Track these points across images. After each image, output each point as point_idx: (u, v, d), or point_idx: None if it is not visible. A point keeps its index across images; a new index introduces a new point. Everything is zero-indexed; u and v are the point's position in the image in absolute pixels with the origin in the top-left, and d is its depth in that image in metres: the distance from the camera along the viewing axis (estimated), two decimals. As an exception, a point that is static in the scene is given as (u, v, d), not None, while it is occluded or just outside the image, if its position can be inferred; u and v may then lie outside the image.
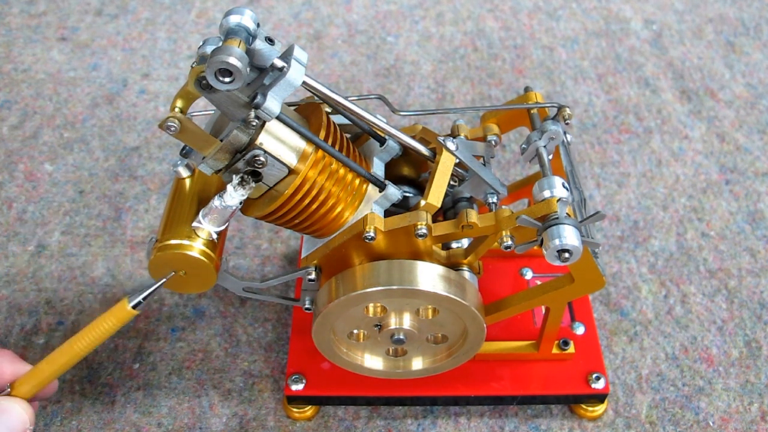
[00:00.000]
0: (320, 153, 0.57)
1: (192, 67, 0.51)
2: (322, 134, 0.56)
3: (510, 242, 0.56)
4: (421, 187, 0.66)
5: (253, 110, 0.52)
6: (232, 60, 0.48)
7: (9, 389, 0.56)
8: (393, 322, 0.62)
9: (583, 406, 0.71)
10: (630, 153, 0.98)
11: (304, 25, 1.20)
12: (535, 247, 0.56)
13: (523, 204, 0.81)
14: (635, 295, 0.82)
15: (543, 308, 0.73)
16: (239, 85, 0.49)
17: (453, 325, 0.63)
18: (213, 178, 0.62)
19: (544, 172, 0.61)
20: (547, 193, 0.55)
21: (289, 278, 0.63)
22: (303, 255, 0.63)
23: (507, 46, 1.16)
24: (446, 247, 0.64)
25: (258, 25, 0.53)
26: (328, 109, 0.63)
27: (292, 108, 0.61)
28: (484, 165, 0.64)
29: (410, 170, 0.67)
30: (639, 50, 1.15)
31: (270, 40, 0.53)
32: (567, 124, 0.64)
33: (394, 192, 0.60)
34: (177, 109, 0.53)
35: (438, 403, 0.72)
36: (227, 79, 0.49)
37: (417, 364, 0.67)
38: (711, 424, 0.72)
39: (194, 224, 0.58)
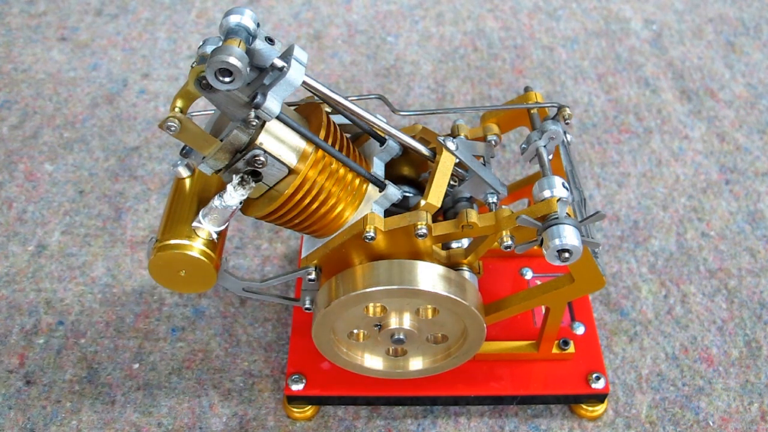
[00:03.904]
0: (320, 153, 0.56)
1: (192, 67, 0.51)
2: (322, 134, 0.56)
3: (510, 242, 0.56)
4: (421, 187, 0.66)
5: (253, 110, 0.52)
6: (232, 60, 0.48)
7: None
8: (393, 322, 0.62)
9: (583, 406, 0.71)
10: (630, 153, 0.98)
11: (304, 25, 1.20)
12: (535, 247, 0.56)
13: (523, 204, 0.81)
14: (635, 295, 0.82)
15: (543, 308, 0.73)
16: (239, 85, 0.49)
17: (453, 325, 0.63)
18: (213, 178, 0.62)
19: (544, 172, 0.61)
20: (547, 193, 0.55)
21: (289, 278, 0.63)
22: (303, 255, 0.63)
23: (507, 46, 1.16)
24: (446, 247, 0.64)
25: (258, 25, 0.53)
26: (328, 109, 0.63)
27: (292, 108, 0.61)
28: (484, 165, 0.64)
29: (410, 170, 0.67)
30: (639, 50, 1.15)
31: (270, 40, 0.53)
32: (567, 124, 0.64)
33: (394, 192, 0.60)
34: (177, 109, 0.53)
35: (438, 403, 0.72)
36: (227, 79, 0.49)
37: (417, 364, 0.67)
38: (711, 424, 0.72)
39: (194, 224, 0.58)
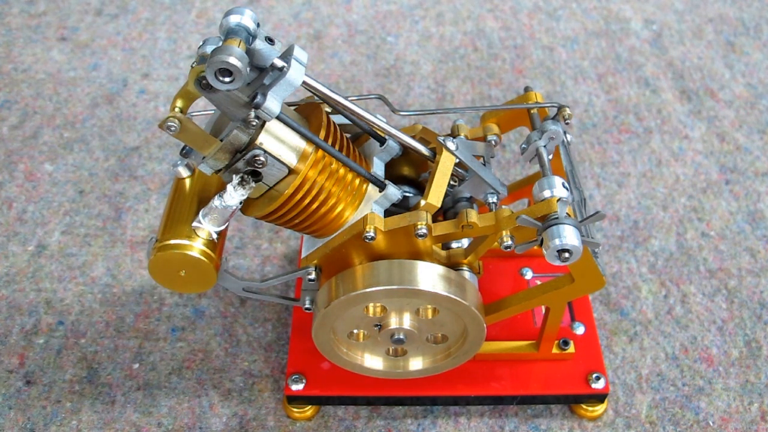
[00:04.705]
0: (320, 153, 0.56)
1: (192, 67, 0.51)
2: (322, 134, 0.56)
3: (510, 242, 0.56)
4: (421, 187, 0.66)
5: (253, 110, 0.52)
6: (232, 60, 0.48)
7: None
8: (393, 322, 0.62)
9: (583, 406, 0.71)
10: (630, 153, 0.98)
11: (304, 25, 1.20)
12: (535, 247, 0.56)
13: (523, 204, 0.81)
14: (635, 295, 0.82)
15: (543, 308, 0.73)
16: (239, 85, 0.49)
17: (453, 325, 0.63)
18: (213, 178, 0.62)
19: (544, 172, 0.61)
20: (547, 193, 0.55)
21: (289, 278, 0.63)
22: (303, 255, 0.63)
23: (507, 46, 1.16)
24: (446, 247, 0.64)
25: (258, 25, 0.53)
26: (328, 109, 0.63)
27: (292, 108, 0.61)
28: (484, 165, 0.64)
29: (410, 170, 0.67)
30: (639, 50, 1.15)
31: (270, 40, 0.53)
32: (567, 124, 0.64)
33: (394, 192, 0.60)
34: (177, 109, 0.53)
35: (438, 403, 0.72)
36: (227, 79, 0.49)
37: (417, 364, 0.67)
38: (711, 424, 0.72)
39: (194, 224, 0.58)
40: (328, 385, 0.69)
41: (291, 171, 0.56)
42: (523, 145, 0.64)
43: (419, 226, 0.56)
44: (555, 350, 0.70)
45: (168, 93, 1.07)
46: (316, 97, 0.61)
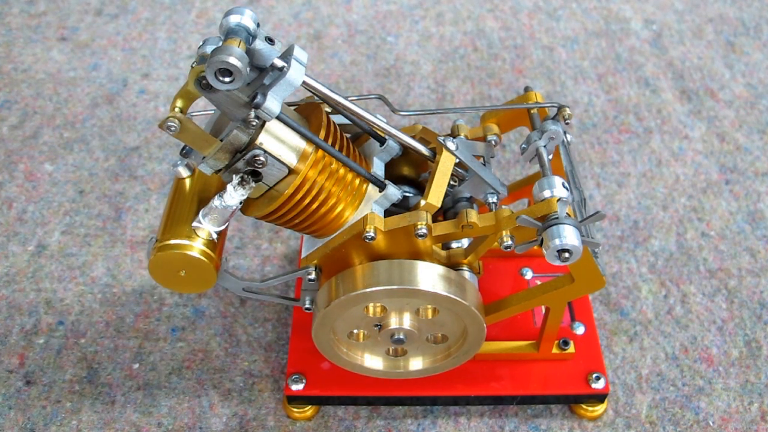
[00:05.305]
0: (320, 153, 0.57)
1: (192, 67, 0.52)
2: (322, 134, 0.56)
3: (510, 242, 0.56)
4: (421, 187, 0.66)
5: (253, 110, 0.52)
6: (232, 60, 0.48)
7: None
8: (393, 322, 0.62)
9: (583, 406, 0.71)
10: (630, 153, 0.98)
11: (304, 25, 1.20)
12: (535, 247, 0.56)
13: (523, 204, 0.81)
14: (635, 295, 0.82)
15: (543, 308, 0.73)
16: (239, 84, 0.49)
17: (453, 325, 0.63)
18: (213, 178, 0.62)
19: (544, 172, 0.61)
20: (547, 193, 0.55)
21: (289, 278, 0.63)
22: (303, 255, 0.63)
23: (507, 46, 1.16)
24: (446, 247, 0.64)
25: (258, 25, 0.53)
26: (328, 109, 0.63)
27: (292, 108, 0.61)
28: (484, 165, 0.64)
29: (410, 170, 0.67)
30: (639, 50, 1.15)
31: (270, 40, 0.53)
32: (567, 124, 0.64)
33: (394, 192, 0.60)
34: (177, 109, 0.53)
35: (438, 403, 0.72)
36: (227, 79, 0.49)
37: (417, 364, 0.67)
38: (711, 424, 0.72)
39: (194, 224, 0.58)
40: (328, 385, 0.69)
41: (291, 171, 0.56)
42: (523, 145, 0.64)
43: (419, 226, 0.56)
44: (555, 350, 0.70)
45: (168, 93, 1.07)
46: (316, 97, 0.61)
